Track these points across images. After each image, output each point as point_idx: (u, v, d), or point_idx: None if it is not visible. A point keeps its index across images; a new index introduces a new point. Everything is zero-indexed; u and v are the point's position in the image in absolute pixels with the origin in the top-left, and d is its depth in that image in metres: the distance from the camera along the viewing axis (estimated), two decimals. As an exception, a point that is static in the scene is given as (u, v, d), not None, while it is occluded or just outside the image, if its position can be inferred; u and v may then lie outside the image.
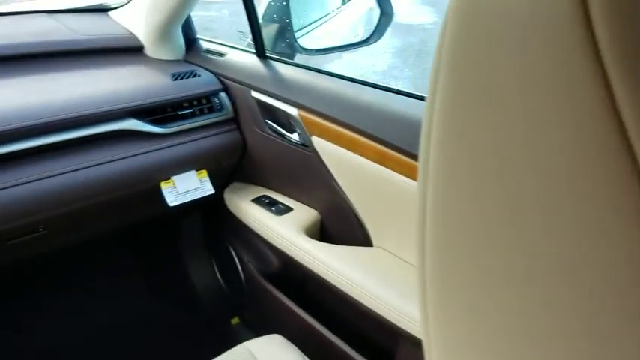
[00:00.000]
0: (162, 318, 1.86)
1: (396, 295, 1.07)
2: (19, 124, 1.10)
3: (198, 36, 1.60)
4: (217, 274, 1.82)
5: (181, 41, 1.53)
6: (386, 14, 1.39)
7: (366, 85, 1.19)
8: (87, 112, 1.19)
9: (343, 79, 1.23)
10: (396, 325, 1.05)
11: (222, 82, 1.43)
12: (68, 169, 1.17)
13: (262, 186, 1.52)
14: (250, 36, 1.39)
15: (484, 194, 0.26)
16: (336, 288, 1.17)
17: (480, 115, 0.25)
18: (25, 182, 1.11)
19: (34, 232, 1.20)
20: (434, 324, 0.32)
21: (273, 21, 1.47)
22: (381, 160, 1.07)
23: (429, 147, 0.29)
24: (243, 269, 1.61)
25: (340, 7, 1.71)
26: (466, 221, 0.27)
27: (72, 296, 1.80)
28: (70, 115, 1.16)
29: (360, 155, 1.11)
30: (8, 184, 1.09)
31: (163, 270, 1.94)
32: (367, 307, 1.11)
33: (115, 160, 1.23)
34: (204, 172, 1.40)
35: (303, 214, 1.37)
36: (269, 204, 1.42)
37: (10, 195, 1.09)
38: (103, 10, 1.58)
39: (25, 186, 1.11)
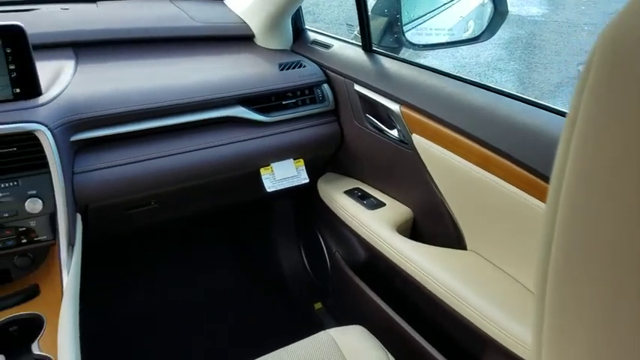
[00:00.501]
0: (249, 294, 1.94)
1: (486, 301, 1.05)
2: (142, 106, 1.19)
3: (306, 26, 1.64)
4: (304, 259, 1.88)
5: (290, 31, 1.57)
6: (500, 12, 1.34)
7: (473, 84, 1.16)
8: (201, 99, 1.26)
9: (450, 77, 1.21)
10: (484, 332, 1.03)
11: (326, 74, 1.46)
12: (179, 150, 1.25)
13: (356, 178, 1.53)
14: (357, 28, 1.40)
15: (623, 232, 0.25)
16: (424, 287, 1.17)
17: (631, 149, 0.24)
18: (141, 160, 1.21)
19: (147, 205, 1.30)
20: (548, 351, 0.31)
21: (383, 14, 1.47)
22: (484, 164, 1.05)
23: (562, 176, 0.29)
24: (330, 257, 1.65)
25: (451, 1, 1.67)
26: (598, 257, 0.27)
27: (172, 265, 1.93)
28: (186, 101, 1.24)
29: (462, 157, 1.09)
30: (128, 161, 1.19)
31: (254, 250, 2.03)
32: (454, 310, 1.09)
33: (221, 145, 1.30)
34: (301, 161, 1.44)
35: (396, 210, 1.37)
36: (361, 197, 1.44)
37: (129, 170, 1.19)
38: (219, -2, 1.65)
39: (141, 163, 1.21)
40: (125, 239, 1.73)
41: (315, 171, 1.52)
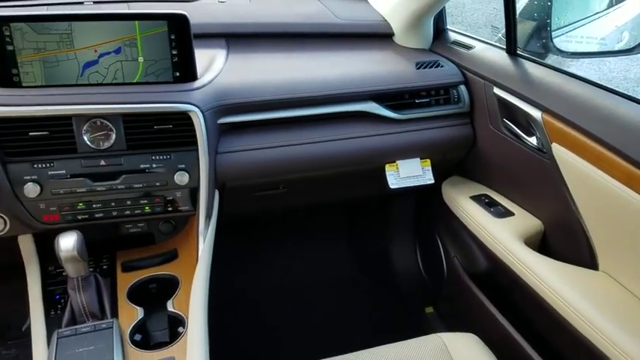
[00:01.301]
0: (360, 287, 1.98)
1: (617, 327, 0.97)
2: (284, 96, 1.26)
3: (447, 27, 1.62)
4: (419, 260, 1.86)
5: (430, 31, 1.57)
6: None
7: (625, 98, 1.07)
8: (338, 92, 1.31)
9: (599, 87, 1.13)
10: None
11: (464, 75, 1.43)
12: (311, 140, 1.31)
13: (483, 184, 1.49)
14: (502, 31, 1.36)
15: None
16: (548, 304, 1.11)
17: None
18: (276, 146, 1.28)
19: (275, 189, 1.38)
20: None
21: (531, 18, 1.41)
22: (630, 183, 0.97)
23: None
24: (447, 262, 1.62)
25: (606, 9, 1.55)
26: None
27: (289, 249, 2.02)
28: (324, 93, 1.29)
29: (606, 173, 1.02)
30: (265, 146, 1.27)
31: (369, 244, 2.06)
32: (579, 333, 1.03)
33: (350, 138, 1.34)
34: (428, 161, 1.43)
35: (525, 221, 1.31)
36: (488, 204, 1.39)
37: (265, 155, 1.27)
38: (363, -4, 1.69)
39: (276, 149, 1.28)
40: (253, 219, 1.84)
41: (441, 173, 1.50)
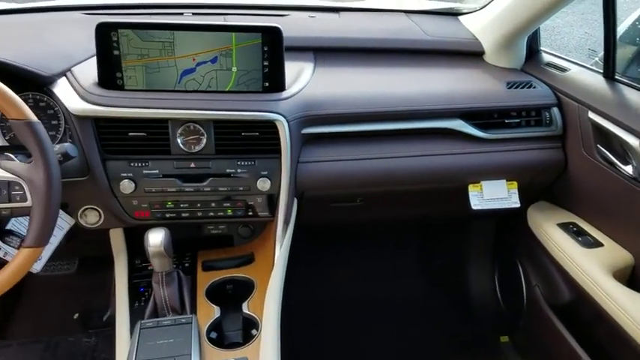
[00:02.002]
0: (431, 307, 1.93)
1: None
2: (368, 110, 1.27)
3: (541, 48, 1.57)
4: (496, 285, 1.80)
5: (523, 51, 1.52)
6: None
7: None
8: (424, 108, 1.30)
9: None
10: None
11: (557, 98, 1.38)
12: (391, 154, 1.30)
13: (572, 212, 1.42)
14: (599, 55, 1.30)
15: None
16: (636, 342, 1.04)
17: None
18: (356, 159, 1.29)
19: (352, 201, 1.38)
20: None
21: (633, 43, 1.34)
22: None
23: None
24: (527, 290, 1.55)
25: None
26: None
27: (360, 263, 2.01)
28: (410, 108, 1.29)
29: None
30: (345, 158, 1.28)
31: (443, 264, 2.01)
32: None
33: (433, 155, 1.32)
34: (515, 184, 1.38)
35: (615, 253, 1.24)
36: (576, 233, 1.32)
37: (344, 166, 1.28)
38: (453, 14, 1.67)
39: (356, 161, 1.29)
40: (327, 230, 1.85)
41: (527, 196, 1.44)
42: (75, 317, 1.85)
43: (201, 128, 1.17)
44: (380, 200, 1.40)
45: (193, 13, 1.52)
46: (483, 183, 1.36)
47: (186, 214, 1.23)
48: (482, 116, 1.34)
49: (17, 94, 0.96)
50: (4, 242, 1.01)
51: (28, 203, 0.93)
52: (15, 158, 0.99)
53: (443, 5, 1.76)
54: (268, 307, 1.11)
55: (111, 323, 1.78)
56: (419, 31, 1.56)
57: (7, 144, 1.18)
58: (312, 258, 1.92)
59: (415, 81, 1.40)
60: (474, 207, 1.36)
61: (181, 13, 1.52)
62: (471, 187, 1.36)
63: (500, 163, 1.35)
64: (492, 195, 1.36)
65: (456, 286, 1.89)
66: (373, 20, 1.66)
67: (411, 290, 1.98)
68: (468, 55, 1.54)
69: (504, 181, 1.37)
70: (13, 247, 1.01)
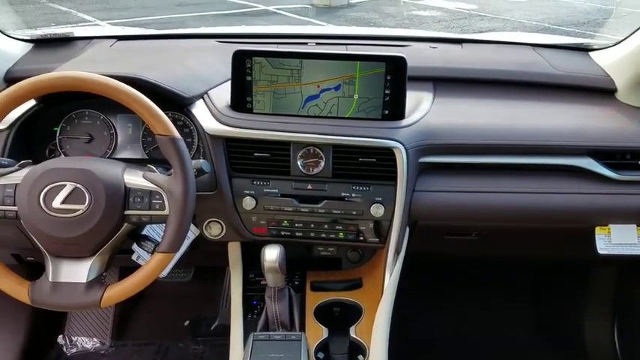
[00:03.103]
0: (542, 354, 1.81)
1: None
2: (490, 142, 1.24)
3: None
4: (616, 342, 1.65)
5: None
6: None
7: None
8: (549, 143, 1.24)
9: None
10: None
11: None
12: (511, 189, 1.26)
13: None
14: None
15: None
16: None
17: None
18: (474, 191, 1.26)
19: (467, 235, 1.35)
20: None
21: None
22: None
23: None
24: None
25: None
26: None
27: (469, 299, 1.94)
28: (535, 143, 1.24)
29: None
30: (462, 189, 1.26)
31: (556, 309, 1.88)
32: None
33: (557, 193, 1.25)
34: None
35: None
36: None
37: (460, 198, 1.26)
38: (584, 49, 1.60)
39: (473, 194, 1.26)
40: (436, 262, 1.82)
41: (659, 245, 1.33)
42: (185, 324, 1.96)
43: (320, 152, 1.21)
44: (496, 236, 1.36)
45: (317, 43, 1.59)
46: (612, 226, 1.27)
47: (300, 234, 1.27)
48: (614, 156, 1.26)
49: None
50: (139, 246, 1.10)
51: (166, 212, 1.01)
52: (156, 170, 1.08)
53: (572, 40, 1.69)
54: (376, 335, 1.11)
55: (218, 333, 1.87)
56: (546, 65, 1.51)
57: (146, 157, 1.30)
58: (420, 289, 1.89)
59: (541, 115, 1.35)
60: (600, 251, 1.27)
61: (305, 43, 1.59)
62: (598, 230, 1.27)
63: (632, 207, 1.25)
64: (621, 240, 1.27)
65: (569, 335, 1.77)
66: (498, 52, 1.62)
67: (520, 334, 1.88)
68: (599, 92, 1.46)
69: (635, 226, 1.27)
70: (147, 252, 1.09)
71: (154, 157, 1.29)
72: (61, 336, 1.89)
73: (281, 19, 7.64)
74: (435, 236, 1.37)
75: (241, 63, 1.21)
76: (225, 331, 1.85)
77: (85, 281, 1.00)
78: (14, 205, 0.99)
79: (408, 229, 1.28)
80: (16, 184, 0.99)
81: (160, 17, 7.28)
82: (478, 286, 1.94)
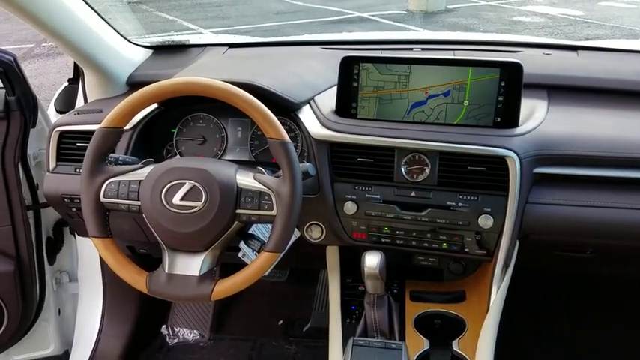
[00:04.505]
0: None
1: None
2: (611, 154, 1.15)
3: None
4: None
5: None
6: None
7: None
8: None
9: None
10: None
11: None
12: (632, 205, 1.16)
13: None
14: None
15: None
16: None
17: None
18: (593, 206, 1.17)
19: (582, 252, 1.26)
20: None
21: None
22: None
23: None
24: None
25: None
26: None
27: (585, 322, 1.82)
28: None
29: None
30: (580, 203, 1.17)
31: None
32: None
33: None
34: None
35: None
36: None
37: (576, 213, 1.17)
38: None
39: (589, 209, 1.17)
40: (546, 279, 1.71)
41: None
42: (279, 323, 2.01)
43: (426, 159, 1.19)
44: (614, 255, 1.26)
45: (422, 49, 1.57)
46: None
47: (401, 242, 1.25)
48: None
49: None
50: (246, 244, 1.14)
51: (274, 212, 1.04)
52: (265, 172, 1.11)
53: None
54: (481, 351, 1.07)
55: (310, 335, 1.89)
56: None
57: (252, 159, 1.35)
58: (528, 307, 1.80)
59: None
60: None
61: (411, 49, 1.57)
62: None
63: None
64: None
65: None
66: (618, 60, 1.51)
67: None
68: None
69: None
70: (254, 250, 1.13)
71: (260, 160, 1.34)
72: (164, 326, 2.00)
73: (376, 25, 7.63)
74: (547, 251, 1.29)
75: (349, 69, 1.22)
76: (317, 333, 1.86)
77: (197, 274, 1.05)
78: (138, 200, 1.06)
79: (517, 243, 1.22)
80: (140, 181, 1.06)
81: (259, 25, 7.54)
82: (590, 307, 1.80)
